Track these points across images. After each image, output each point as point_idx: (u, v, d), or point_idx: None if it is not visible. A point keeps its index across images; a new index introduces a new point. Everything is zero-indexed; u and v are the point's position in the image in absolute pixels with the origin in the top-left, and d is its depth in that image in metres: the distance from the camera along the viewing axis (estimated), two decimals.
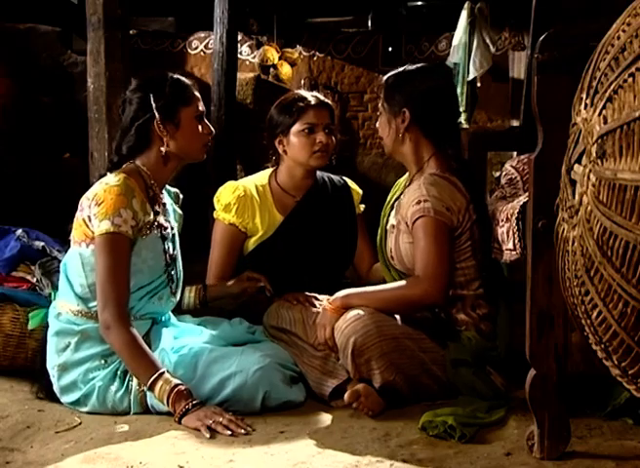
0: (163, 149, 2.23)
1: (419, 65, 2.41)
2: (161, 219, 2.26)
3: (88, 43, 3.26)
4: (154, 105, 2.21)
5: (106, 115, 3.20)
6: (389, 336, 2.12)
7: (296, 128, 2.61)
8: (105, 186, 2.14)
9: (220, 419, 1.97)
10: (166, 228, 2.28)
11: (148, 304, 2.21)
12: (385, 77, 2.39)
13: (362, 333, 2.09)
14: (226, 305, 2.58)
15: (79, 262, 2.17)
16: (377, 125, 2.43)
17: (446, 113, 2.36)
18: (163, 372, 2.04)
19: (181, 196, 2.48)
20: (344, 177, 2.87)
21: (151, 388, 2.04)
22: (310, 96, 2.67)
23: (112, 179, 2.16)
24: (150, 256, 2.20)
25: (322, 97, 2.70)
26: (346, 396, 2.08)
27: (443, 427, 1.88)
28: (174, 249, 2.31)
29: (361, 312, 2.14)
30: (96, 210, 2.11)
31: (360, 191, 2.83)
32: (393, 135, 2.32)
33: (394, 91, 2.33)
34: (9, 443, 1.93)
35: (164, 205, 2.31)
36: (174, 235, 2.34)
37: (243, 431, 1.95)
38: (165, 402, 2.02)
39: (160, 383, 2.02)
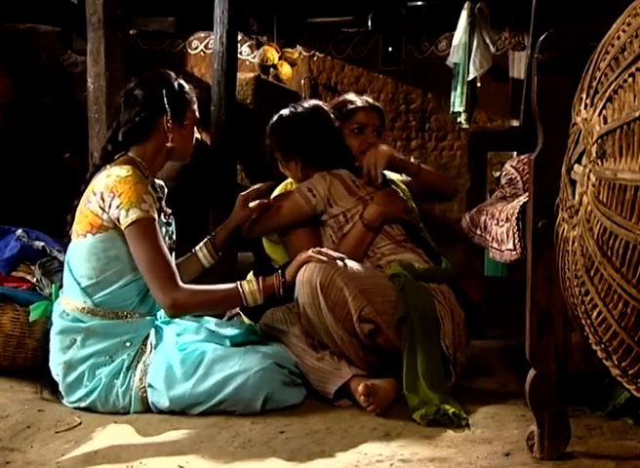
0: (169, 145, 2.28)
1: (287, 114, 2.62)
2: (162, 205, 2.32)
3: (88, 43, 3.27)
4: (166, 101, 2.26)
5: (106, 115, 3.21)
6: (347, 268, 2.22)
7: (345, 128, 2.66)
8: (117, 178, 2.14)
9: (312, 254, 2.22)
10: (168, 214, 2.35)
11: (149, 297, 2.21)
12: (268, 132, 2.65)
13: (319, 273, 2.17)
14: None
15: (84, 253, 2.17)
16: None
17: (325, 144, 2.58)
18: (238, 284, 2.18)
19: (166, 190, 2.49)
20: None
21: (247, 302, 2.17)
22: (360, 99, 2.74)
23: (120, 171, 2.16)
24: None
25: (372, 101, 2.77)
26: (361, 387, 2.08)
27: (439, 414, 1.97)
28: (173, 233, 2.37)
29: (310, 265, 2.20)
30: (117, 201, 2.11)
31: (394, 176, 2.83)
32: (295, 175, 2.64)
33: (277, 145, 2.62)
34: (9, 443, 1.93)
35: (156, 192, 2.34)
36: (172, 220, 2.39)
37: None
38: (263, 295, 2.18)
39: (247, 290, 2.16)
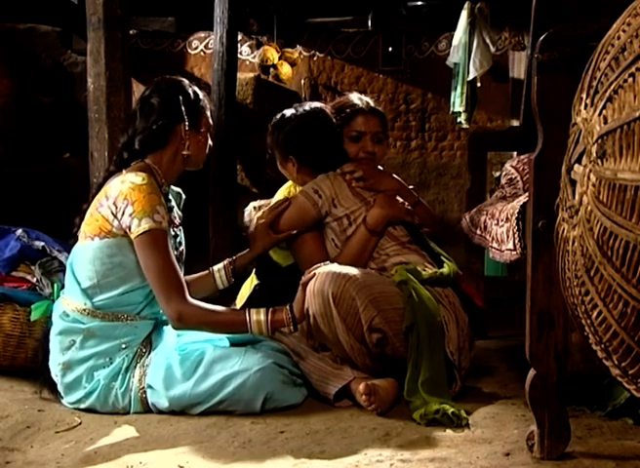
0: (185, 153, 2.28)
1: (289, 114, 2.61)
2: (172, 216, 2.31)
3: (88, 43, 3.26)
4: (183, 109, 2.25)
5: (106, 115, 3.20)
6: (357, 277, 2.20)
7: (344, 132, 2.62)
8: (132, 185, 2.13)
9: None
10: (177, 225, 2.34)
11: (154, 302, 2.21)
12: (269, 130, 2.64)
13: (331, 283, 2.15)
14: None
15: (89, 255, 2.16)
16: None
17: (323, 148, 2.56)
18: (247, 311, 2.15)
19: (184, 196, 2.49)
20: None
21: (252, 331, 2.14)
22: (362, 102, 2.67)
23: (136, 178, 2.15)
24: None
25: (373, 104, 2.70)
26: (362, 387, 2.08)
27: (439, 414, 1.96)
28: (180, 245, 2.35)
29: (320, 276, 2.18)
30: (131, 209, 2.10)
31: None
32: (291, 175, 2.63)
33: (276, 144, 2.61)
34: (9, 443, 1.93)
35: (169, 201, 2.35)
36: (181, 231, 2.38)
37: None
38: (269, 329, 2.14)
39: (254, 319, 2.13)
